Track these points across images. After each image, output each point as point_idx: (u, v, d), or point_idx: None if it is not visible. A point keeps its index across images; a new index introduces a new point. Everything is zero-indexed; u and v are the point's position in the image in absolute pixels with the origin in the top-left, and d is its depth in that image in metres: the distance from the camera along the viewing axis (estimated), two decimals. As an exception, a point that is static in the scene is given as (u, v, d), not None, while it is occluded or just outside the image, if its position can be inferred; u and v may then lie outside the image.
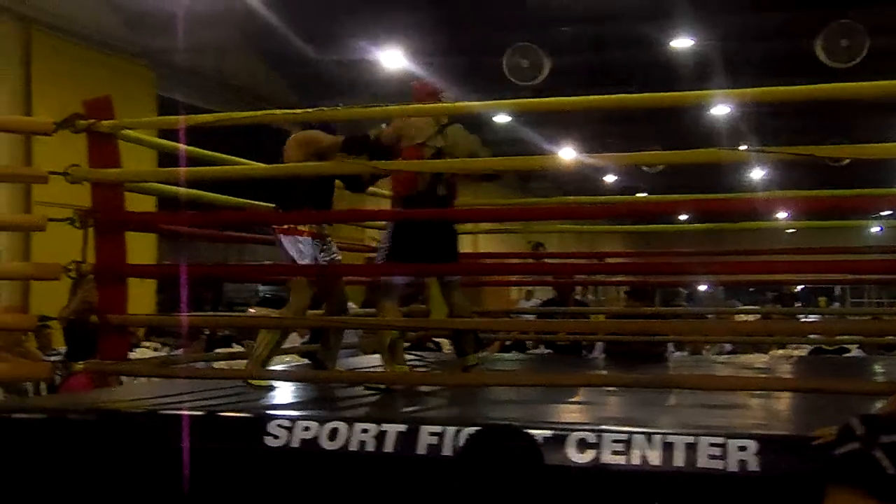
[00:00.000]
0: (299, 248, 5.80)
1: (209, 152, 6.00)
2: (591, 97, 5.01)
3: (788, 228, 10.93)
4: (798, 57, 13.94)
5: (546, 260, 11.09)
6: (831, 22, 12.98)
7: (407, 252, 5.78)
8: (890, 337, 9.53)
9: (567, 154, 20.09)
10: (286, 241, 5.80)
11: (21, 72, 12.70)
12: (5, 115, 11.97)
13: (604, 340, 8.75)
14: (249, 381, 5.46)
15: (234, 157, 6.14)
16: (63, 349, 9.16)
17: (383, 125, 5.94)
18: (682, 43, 15.45)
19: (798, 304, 24.33)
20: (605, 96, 5.01)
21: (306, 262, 5.80)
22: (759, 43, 15.55)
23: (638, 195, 20.94)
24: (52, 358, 8.80)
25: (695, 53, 15.60)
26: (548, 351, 9.77)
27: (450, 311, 6.31)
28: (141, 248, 5.83)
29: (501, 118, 18.56)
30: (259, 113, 5.18)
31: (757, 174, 25.07)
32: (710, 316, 11.35)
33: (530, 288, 17.39)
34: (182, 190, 5.81)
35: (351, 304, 11.30)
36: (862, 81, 4.80)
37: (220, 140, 6.10)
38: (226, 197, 6.27)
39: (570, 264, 9.95)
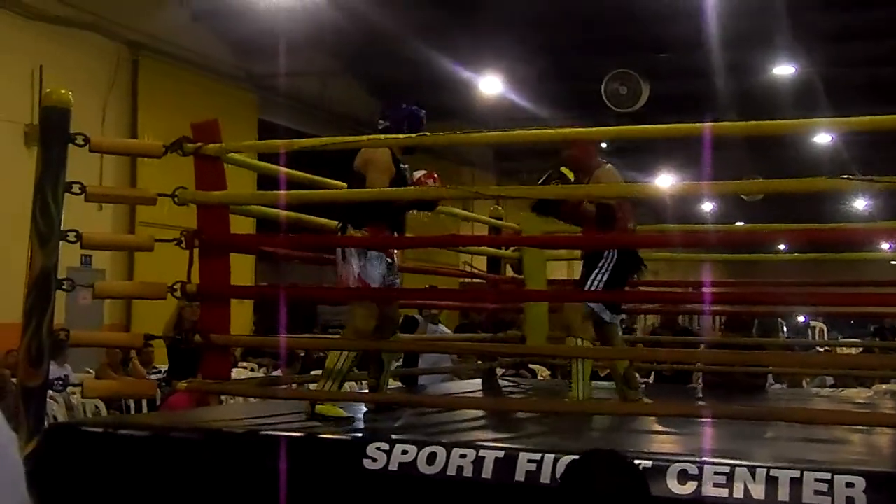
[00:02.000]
0: (373, 266, 5.54)
1: (307, 174, 6.06)
2: (689, 125, 4.95)
3: (893, 259, 10.64)
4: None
5: (642, 288, 10.98)
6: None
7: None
8: None
9: (664, 181, 19.95)
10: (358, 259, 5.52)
11: (128, 95, 13.05)
12: (112, 135, 12.30)
13: (703, 371, 8.62)
14: (317, 408, 5.21)
15: (332, 181, 6.17)
16: (163, 367, 9.36)
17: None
18: (783, 70, 15.23)
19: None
20: (704, 124, 4.93)
21: (376, 284, 5.54)
22: (862, 69, 15.28)
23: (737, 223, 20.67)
24: (153, 376, 8.98)
25: (797, 80, 15.38)
26: (645, 380, 9.66)
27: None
28: (239, 269, 5.90)
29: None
30: (362, 138, 5.22)
31: (859, 204, 24.55)
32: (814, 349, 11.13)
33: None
34: (282, 212, 5.88)
35: (444, 328, 11.36)
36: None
37: (319, 164, 6.15)
38: (322, 219, 6.33)
39: (671, 293, 9.80)
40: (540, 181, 5.90)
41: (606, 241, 5.94)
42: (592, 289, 5.88)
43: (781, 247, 18.26)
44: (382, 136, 5.26)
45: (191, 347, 5.48)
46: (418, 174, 5.51)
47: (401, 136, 5.21)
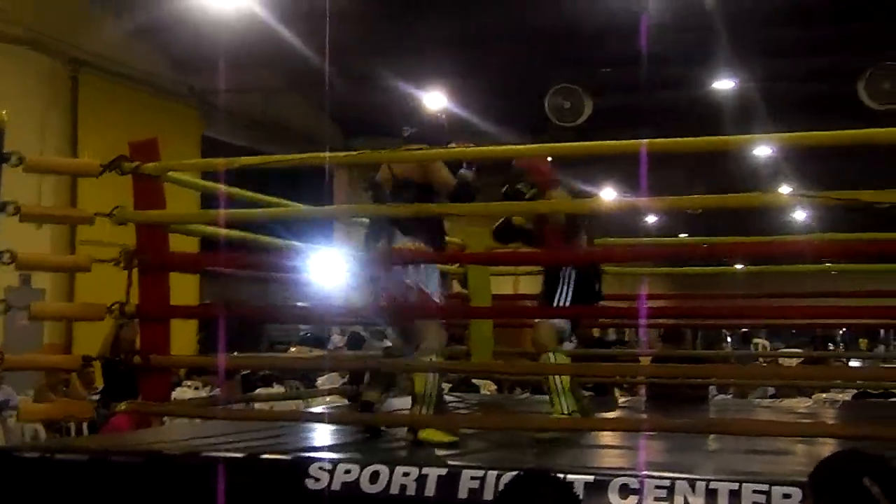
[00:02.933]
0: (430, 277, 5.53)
1: (251, 193, 6.03)
2: (634, 141, 4.99)
3: (832, 271, 10.81)
4: (840, 99, 13.86)
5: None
6: (873, 64, 12.91)
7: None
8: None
9: (608, 195, 20.10)
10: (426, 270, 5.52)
11: (68, 112, 12.90)
12: (52, 155, 12.15)
13: (644, 384, 8.69)
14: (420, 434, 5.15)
15: (275, 199, 6.15)
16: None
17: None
18: (723, 84, 15.43)
19: (837, 347, 24.12)
20: (648, 140, 4.99)
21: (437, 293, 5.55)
22: (801, 84, 15.51)
23: (680, 236, 20.85)
24: (95, 397, 8.87)
25: (737, 95, 15.58)
26: (589, 392, 9.70)
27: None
28: (183, 287, 5.86)
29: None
30: (303, 156, 5.21)
31: (800, 215, 24.89)
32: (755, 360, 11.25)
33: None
34: (225, 231, 5.84)
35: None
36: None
37: (265, 179, 6.10)
38: (268, 238, 6.30)
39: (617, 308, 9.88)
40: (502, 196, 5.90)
41: (547, 258, 5.95)
42: (561, 304, 5.80)
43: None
44: (323, 154, 5.24)
45: (129, 368, 5.43)
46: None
47: (340, 154, 5.20)
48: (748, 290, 10.05)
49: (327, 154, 5.21)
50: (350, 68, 14.58)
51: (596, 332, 10.98)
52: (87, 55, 13.01)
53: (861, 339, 25.28)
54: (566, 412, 5.50)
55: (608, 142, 5.37)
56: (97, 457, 4.60)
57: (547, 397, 5.69)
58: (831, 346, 24.50)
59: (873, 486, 2.45)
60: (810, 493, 2.71)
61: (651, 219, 25.06)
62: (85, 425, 8.35)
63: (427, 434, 5.10)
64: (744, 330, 23.22)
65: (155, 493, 4.42)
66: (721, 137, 5.34)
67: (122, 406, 5.30)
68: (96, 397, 8.80)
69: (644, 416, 7.32)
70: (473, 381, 10.68)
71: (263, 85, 15.42)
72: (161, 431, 5.72)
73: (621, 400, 9.31)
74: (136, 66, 13.72)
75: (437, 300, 5.52)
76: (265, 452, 4.82)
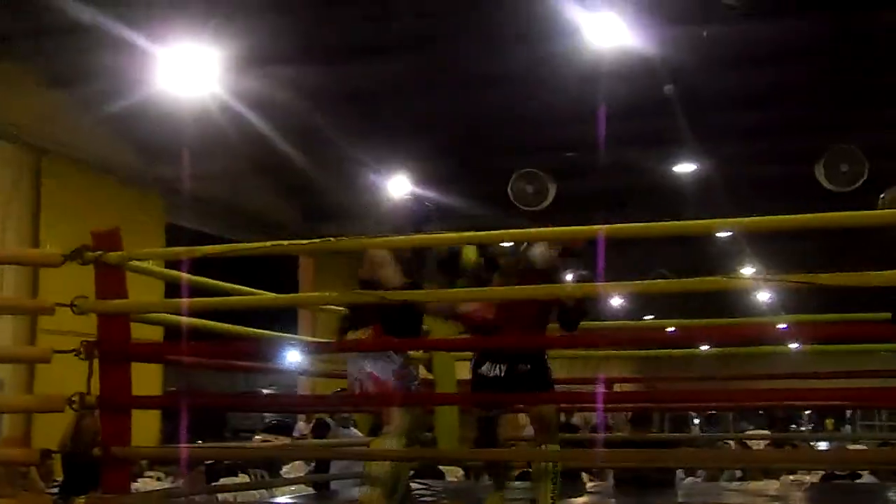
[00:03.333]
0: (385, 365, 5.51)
1: (215, 282, 6.02)
2: (595, 227, 5.05)
3: (797, 351, 10.89)
4: (799, 180, 14.07)
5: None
6: (831, 147, 13.15)
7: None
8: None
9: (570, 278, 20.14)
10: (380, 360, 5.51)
11: (30, 201, 12.84)
12: (13, 243, 12.07)
13: (610, 467, 8.65)
14: None
15: (239, 287, 6.14)
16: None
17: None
18: (684, 168, 15.64)
19: (804, 428, 24.16)
20: (609, 226, 5.05)
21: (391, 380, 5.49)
22: (760, 167, 15.73)
23: (644, 318, 20.94)
24: (54, 490, 8.71)
25: (697, 177, 15.78)
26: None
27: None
28: (146, 376, 5.80)
29: (508, 244, 18.61)
30: (266, 244, 5.20)
31: (763, 297, 25.08)
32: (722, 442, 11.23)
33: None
34: (187, 320, 5.81)
35: (357, 432, 11.24)
36: (863, 204, 4.85)
37: (232, 265, 6.10)
38: (232, 326, 6.27)
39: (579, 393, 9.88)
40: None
41: (518, 342, 5.92)
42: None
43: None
44: (286, 242, 5.23)
45: (89, 460, 5.34)
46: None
47: (304, 241, 5.19)
48: (714, 371, 10.09)
49: (290, 242, 5.20)
50: (316, 153, 14.66)
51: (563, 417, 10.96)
52: (50, 143, 12.99)
53: (827, 420, 25.35)
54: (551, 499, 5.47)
55: (570, 227, 5.41)
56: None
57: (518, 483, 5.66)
58: (795, 427, 24.62)
59: None
60: None
61: (616, 302, 25.15)
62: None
63: None
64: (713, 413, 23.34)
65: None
66: (682, 223, 5.42)
67: (82, 500, 5.21)
68: (56, 490, 8.64)
69: (612, 500, 7.28)
70: (440, 467, 10.58)
71: (229, 171, 15.45)
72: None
73: (589, 485, 9.25)
74: (99, 153, 13.70)
75: (394, 385, 5.46)
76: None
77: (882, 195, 5.80)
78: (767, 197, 14.91)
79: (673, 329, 8.65)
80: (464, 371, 9.11)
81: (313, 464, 9.74)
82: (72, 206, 12.77)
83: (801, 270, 4.78)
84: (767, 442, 12.26)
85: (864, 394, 6.50)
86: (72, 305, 5.19)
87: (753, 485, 8.97)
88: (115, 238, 5.38)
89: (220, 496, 8.18)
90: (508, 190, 14.29)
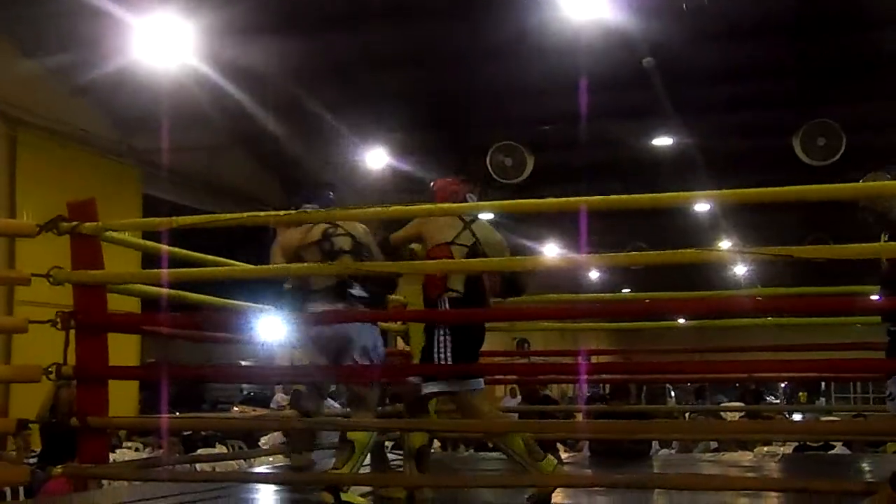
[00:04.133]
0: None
1: (191, 253, 6.00)
2: (573, 199, 5.06)
3: (773, 324, 10.94)
4: (777, 154, 14.14)
5: (533, 358, 11.12)
6: (808, 121, 13.20)
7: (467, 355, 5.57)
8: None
9: (551, 251, 20.21)
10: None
11: (6, 171, 12.75)
12: (-10, 215, 12.00)
13: (586, 439, 8.72)
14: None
15: (216, 258, 6.12)
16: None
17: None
18: (662, 141, 15.67)
19: (779, 401, 24.35)
20: (587, 198, 5.07)
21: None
22: (738, 140, 15.78)
23: (623, 291, 21.02)
24: (32, 460, 8.70)
25: (675, 151, 15.81)
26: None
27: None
28: (124, 347, 5.80)
29: (486, 216, 18.60)
30: (242, 215, 5.20)
31: (740, 269, 25.23)
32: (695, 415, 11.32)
33: (514, 385, 17.33)
34: (164, 290, 5.80)
35: (335, 403, 11.26)
36: (841, 177, 4.89)
37: (207, 238, 6.07)
38: (209, 297, 6.26)
39: (558, 364, 9.93)
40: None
41: (508, 314, 5.94)
42: (441, 361, 5.52)
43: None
44: (262, 213, 5.22)
45: (66, 430, 5.34)
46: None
47: (281, 213, 5.18)
48: (691, 344, 10.16)
49: (268, 213, 5.20)
50: (294, 124, 14.61)
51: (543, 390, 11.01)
52: (26, 114, 12.89)
53: (801, 393, 25.56)
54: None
55: (549, 199, 5.41)
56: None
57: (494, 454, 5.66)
58: (772, 399, 24.78)
59: None
60: None
61: (594, 274, 25.24)
62: (21, 490, 8.18)
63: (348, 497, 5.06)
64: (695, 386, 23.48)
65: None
66: (660, 195, 5.39)
67: (59, 470, 5.21)
68: (34, 460, 8.63)
69: (587, 471, 7.34)
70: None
71: (206, 143, 15.38)
72: (99, 494, 5.62)
73: (564, 456, 9.31)
74: (76, 124, 13.61)
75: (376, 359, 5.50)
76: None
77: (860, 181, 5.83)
78: (745, 171, 14.98)
79: (649, 301, 8.69)
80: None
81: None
82: (48, 177, 12.69)
83: (779, 245, 4.82)
84: (742, 414, 12.37)
85: (836, 364, 6.55)
86: (48, 276, 5.18)
87: (728, 456, 9.05)
88: (90, 209, 5.37)
89: (198, 466, 8.19)
90: (487, 163, 14.29)
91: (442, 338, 5.48)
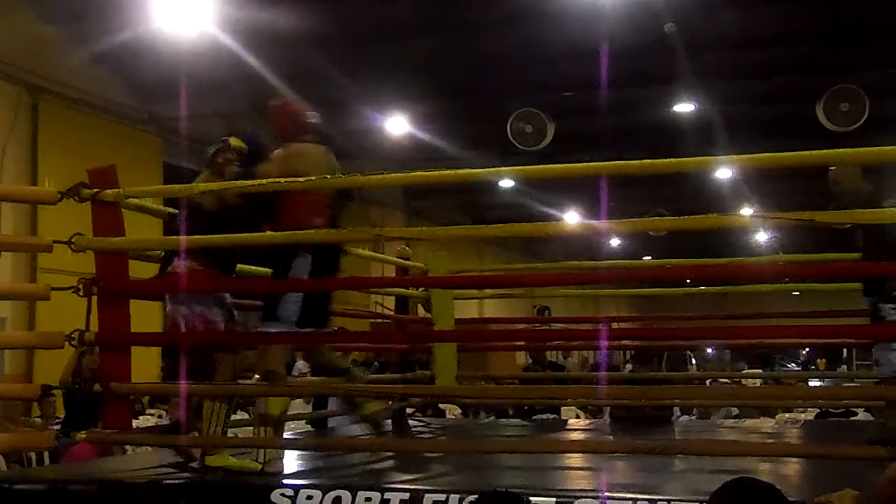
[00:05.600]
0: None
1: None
2: (595, 164, 5.04)
3: (794, 291, 10.90)
4: (800, 120, 14.03)
5: (553, 325, 11.12)
6: (832, 86, 13.08)
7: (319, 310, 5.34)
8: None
9: (572, 219, 20.17)
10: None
11: (28, 139, 12.80)
12: (11, 182, 12.06)
13: (609, 405, 8.72)
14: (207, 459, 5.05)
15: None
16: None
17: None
18: (684, 107, 15.55)
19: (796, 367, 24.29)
20: (609, 163, 5.06)
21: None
22: (760, 107, 15.68)
23: (644, 259, 20.98)
24: (56, 426, 8.78)
25: (697, 117, 15.70)
26: (553, 416, 9.73)
27: (321, 366, 5.83)
28: (147, 313, 5.82)
29: (506, 183, 18.62)
30: (263, 182, 5.18)
31: (762, 236, 25.13)
32: (718, 380, 11.30)
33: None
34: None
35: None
36: (863, 145, 4.85)
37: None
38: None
39: (573, 330, 9.95)
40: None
41: (527, 279, 5.93)
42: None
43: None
44: (283, 180, 5.20)
45: (90, 396, 5.38)
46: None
47: (301, 179, 5.16)
48: (712, 311, 10.14)
49: (288, 179, 5.17)
50: (313, 92, 14.57)
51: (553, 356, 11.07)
52: (47, 82, 12.92)
53: (819, 360, 25.50)
54: None
55: (570, 164, 5.39)
56: (56, 486, 4.56)
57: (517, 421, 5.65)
58: (793, 367, 24.75)
59: None
60: None
61: (615, 242, 25.21)
62: (46, 455, 8.26)
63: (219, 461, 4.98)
64: (708, 350, 23.48)
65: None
66: (681, 160, 5.39)
67: (83, 435, 5.25)
68: (57, 426, 8.71)
69: (609, 437, 7.34)
70: (439, 405, 10.67)
71: (225, 110, 15.36)
72: (122, 460, 5.67)
73: (586, 423, 9.34)
74: (96, 92, 13.63)
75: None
76: (227, 479, 4.81)
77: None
78: (767, 137, 14.88)
79: (669, 267, 8.66)
80: (463, 310, 9.18)
81: (312, 401, 9.80)
82: (69, 145, 12.74)
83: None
84: (762, 381, 12.36)
85: (856, 331, 6.53)
86: (69, 243, 5.20)
87: (749, 422, 9.04)
88: (111, 175, 5.38)
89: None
90: (507, 130, 14.23)
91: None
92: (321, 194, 5.32)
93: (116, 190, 5.29)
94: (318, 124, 5.72)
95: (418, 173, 5.55)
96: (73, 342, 5.17)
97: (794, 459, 5.41)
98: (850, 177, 5.90)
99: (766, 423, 8.94)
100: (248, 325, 6.15)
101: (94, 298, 5.23)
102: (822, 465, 4.94)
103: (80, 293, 5.16)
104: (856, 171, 5.92)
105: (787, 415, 9.57)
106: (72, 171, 5.52)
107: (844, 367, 26.35)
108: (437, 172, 5.52)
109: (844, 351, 26.13)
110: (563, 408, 10.14)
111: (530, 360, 10.59)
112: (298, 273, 5.21)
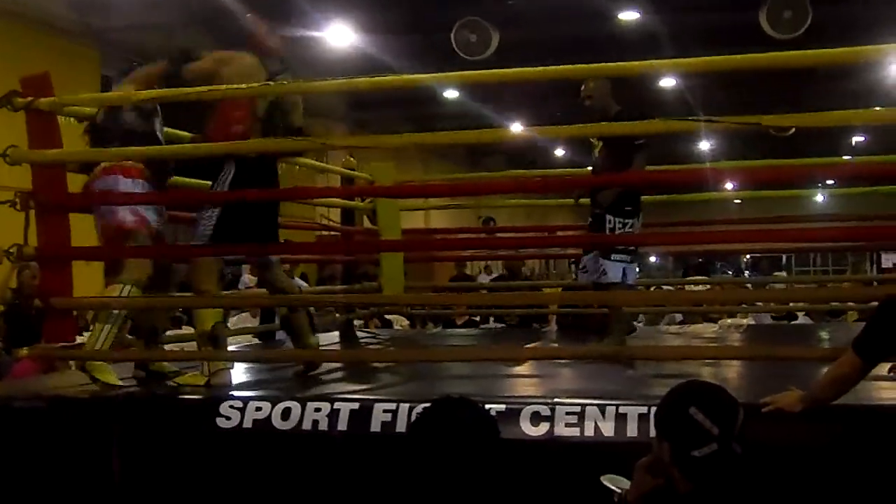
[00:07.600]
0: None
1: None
2: (535, 69, 4.99)
3: (735, 199, 10.98)
4: (743, 28, 13.99)
5: (498, 234, 11.13)
6: (775, -7, 13.06)
7: (242, 225, 5.20)
8: (835, 304, 9.69)
9: (516, 128, 20.11)
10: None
11: (-40, 51, 12.44)
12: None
13: (556, 314, 8.77)
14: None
15: (182, 133, 5.96)
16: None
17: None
18: (628, 15, 15.47)
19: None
20: (549, 67, 5.00)
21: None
22: (705, 14, 15.59)
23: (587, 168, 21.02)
24: (-3, 345, 8.67)
25: (641, 26, 15.62)
26: (500, 325, 9.78)
27: (273, 292, 5.71)
28: (90, 229, 5.69)
29: (451, 94, 18.49)
30: (203, 89, 5.06)
31: (704, 145, 25.26)
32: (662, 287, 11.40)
33: (488, 263, 17.42)
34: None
35: (301, 282, 11.27)
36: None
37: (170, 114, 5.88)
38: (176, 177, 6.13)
39: (519, 238, 9.95)
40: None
41: (472, 188, 5.91)
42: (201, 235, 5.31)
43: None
44: (222, 87, 5.09)
45: (30, 312, 5.30)
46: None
47: (241, 86, 5.06)
48: (654, 219, 10.20)
49: (224, 87, 5.06)
50: (255, 1, 14.28)
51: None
52: (-24, -7, 12.55)
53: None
54: None
55: (514, 69, 5.34)
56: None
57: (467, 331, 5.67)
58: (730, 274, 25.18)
59: (698, 415, 2.77)
60: (656, 429, 2.95)
61: (560, 152, 25.21)
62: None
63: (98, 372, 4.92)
64: (652, 259, 23.76)
65: (59, 438, 4.34)
66: (624, 63, 5.35)
67: (25, 351, 5.18)
68: (-1, 345, 8.60)
69: (555, 344, 7.40)
70: (386, 316, 10.69)
71: (164, 22, 15.02)
72: (66, 376, 5.60)
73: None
74: (31, 4, 13.26)
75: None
76: (174, 393, 4.78)
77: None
78: (711, 45, 14.81)
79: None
80: (408, 222, 9.15)
81: (259, 315, 9.77)
82: (5, 60, 12.38)
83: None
84: (707, 288, 12.49)
85: (797, 235, 6.60)
86: (4, 155, 5.07)
87: (693, 328, 9.15)
88: (45, 83, 5.23)
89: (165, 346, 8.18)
90: (451, 39, 14.08)
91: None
92: (245, 102, 5.21)
93: (52, 98, 5.14)
94: (276, 47, 5.70)
95: (360, 78, 5.43)
96: (11, 257, 5.06)
97: (739, 363, 5.48)
98: (602, 92, 6.17)
99: (710, 328, 9.05)
100: (177, 239, 6.08)
101: (32, 213, 5.12)
102: (766, 368, 5.02)
103: (17, 207, 5.04)
104: (607, 86, 6.20)
105: (730, 320, 9.69)
106: (6, 85, 5.33)
107: (784, 273, 26.77)
108: (379, 78, 5.43)
109: (783, 258, 26.54)
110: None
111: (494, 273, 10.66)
112: (219, 186, 5.18)
